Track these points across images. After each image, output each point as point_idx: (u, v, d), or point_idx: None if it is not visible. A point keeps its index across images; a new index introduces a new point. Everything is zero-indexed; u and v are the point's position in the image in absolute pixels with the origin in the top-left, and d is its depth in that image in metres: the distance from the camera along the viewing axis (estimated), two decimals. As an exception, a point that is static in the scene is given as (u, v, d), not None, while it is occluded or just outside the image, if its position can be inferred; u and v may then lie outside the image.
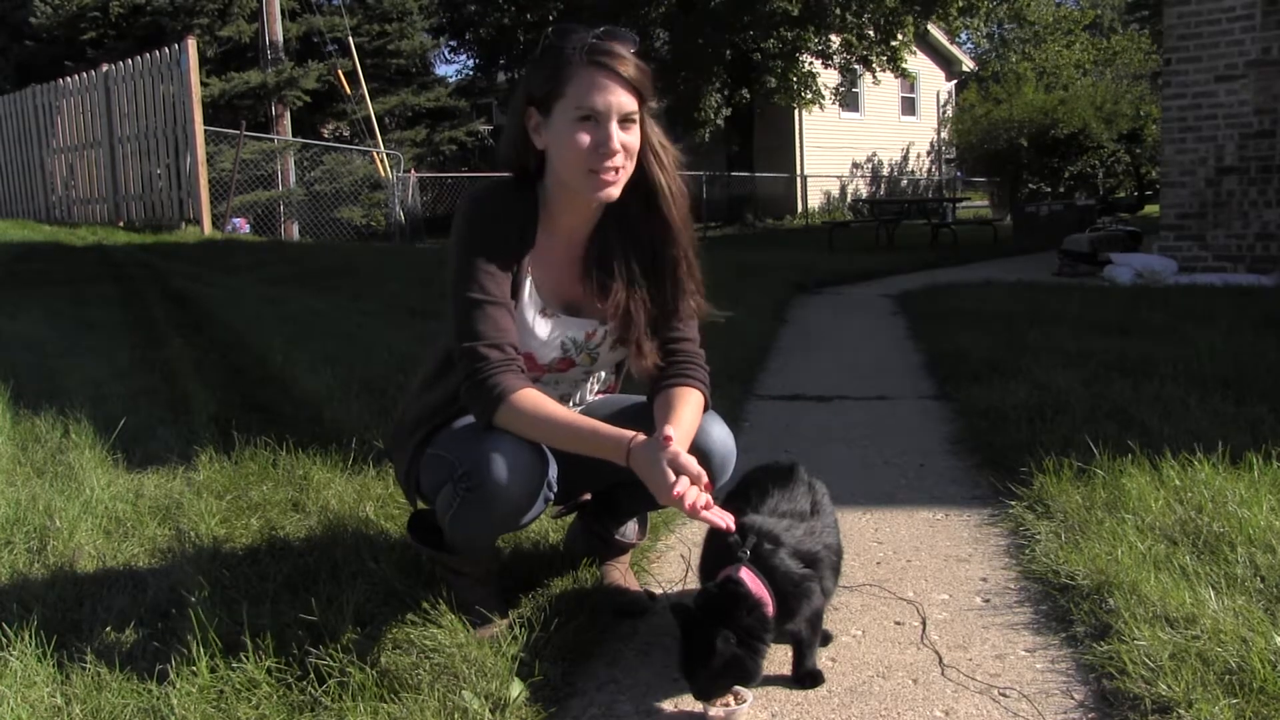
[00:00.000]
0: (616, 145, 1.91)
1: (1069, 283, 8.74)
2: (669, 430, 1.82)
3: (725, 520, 1.80)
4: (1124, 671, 1.83)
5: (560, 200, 2.03)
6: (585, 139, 1.90)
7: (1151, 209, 19.30)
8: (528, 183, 2.06)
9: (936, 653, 2.05)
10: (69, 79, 14.17)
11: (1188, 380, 4.12)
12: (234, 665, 1.84)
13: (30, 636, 1.96)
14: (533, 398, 1.92)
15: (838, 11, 20.68)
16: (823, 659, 2.01)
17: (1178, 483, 2.76)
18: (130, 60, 13.08)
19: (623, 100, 1.91)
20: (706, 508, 1.78)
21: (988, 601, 2.30)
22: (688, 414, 1.99)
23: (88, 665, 1.89)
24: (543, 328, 2.06)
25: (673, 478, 1.76)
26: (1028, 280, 8.69)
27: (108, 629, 2.09)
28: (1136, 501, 2.64)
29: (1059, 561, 2.36)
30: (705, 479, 1.80)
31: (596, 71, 1.89)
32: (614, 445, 1.85)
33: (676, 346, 2.09)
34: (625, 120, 1.93)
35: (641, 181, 2.02)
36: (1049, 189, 22.26)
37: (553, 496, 1.98)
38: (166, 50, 12.58)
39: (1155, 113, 18.79)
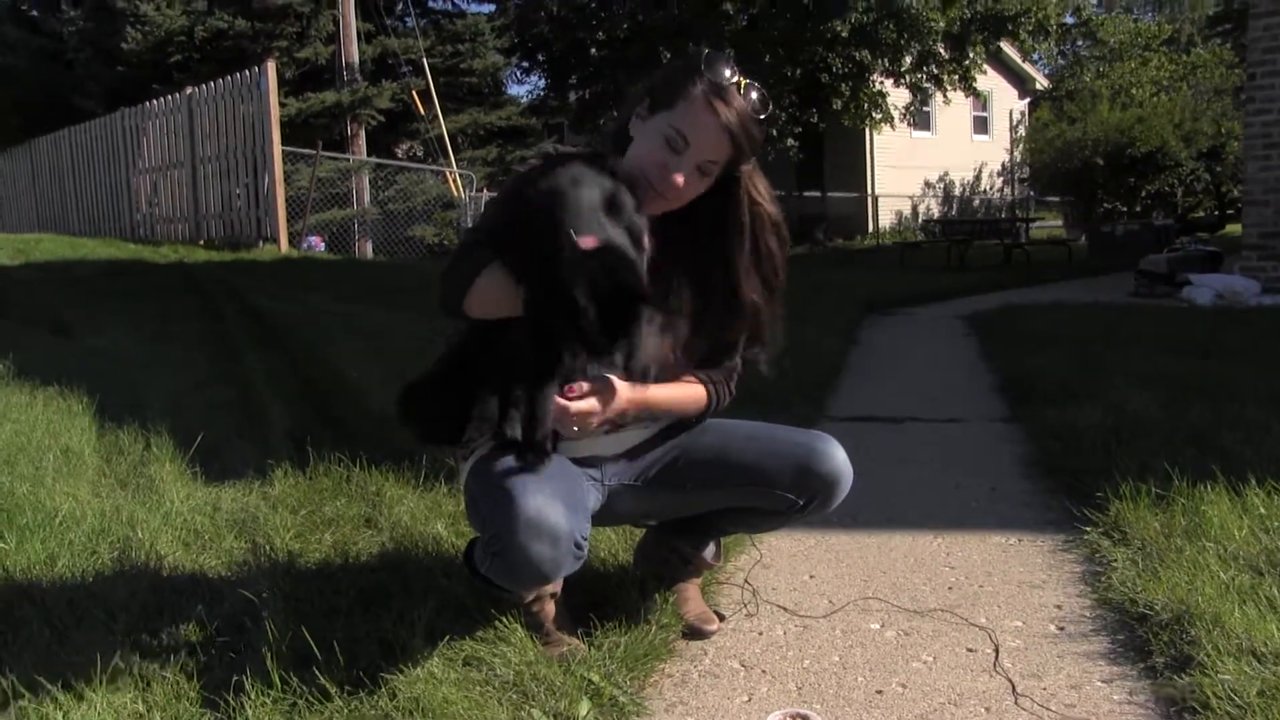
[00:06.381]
0: (679, 183, 1.91)
1: (1146, 304, 8.55)
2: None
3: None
4: (1207, 706, 1.78)
5: (626, 181, 1.97)
6: (660, 158, 1.91)
7: (1233, 228, 18.81)
8: (595, 154, 2.00)
9: (1010, 681, 2.01)
10: (155, 102, 14.57)
11: (1272, 404, 4.00)
12: (307, 678, 1.87)
13: (115, 644, 2.02)
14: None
15: (893, 33, 20.44)
16: (893, 685, 1.99)
17: (1263, 510, 2.68)
18: (212, 83, 13.42)
19: (710, 150, 1.90)
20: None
21: (1062, 629, 2.25)
22: (676, 387, 2.04)
23: (167, 674, 1.94)
24: None
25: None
26: (1103, 301, 8.52)
27: (185, 638, 2.14)
28: (1218, 529, 2.57)
29: (1136, 590, 2.30)
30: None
31: (709, 113, 1.89)
32: None
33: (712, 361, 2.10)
34: (703, 167, 1.93)
35: (720, 247, 2.02)
36: (1125, 208, 21.82)
37: (583, 555, 1.88)
38: (247, 73, 12.90)
39: (1237, 129, 18.32)
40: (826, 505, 2.10)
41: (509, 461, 1.89)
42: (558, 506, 1.80)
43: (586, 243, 1.70)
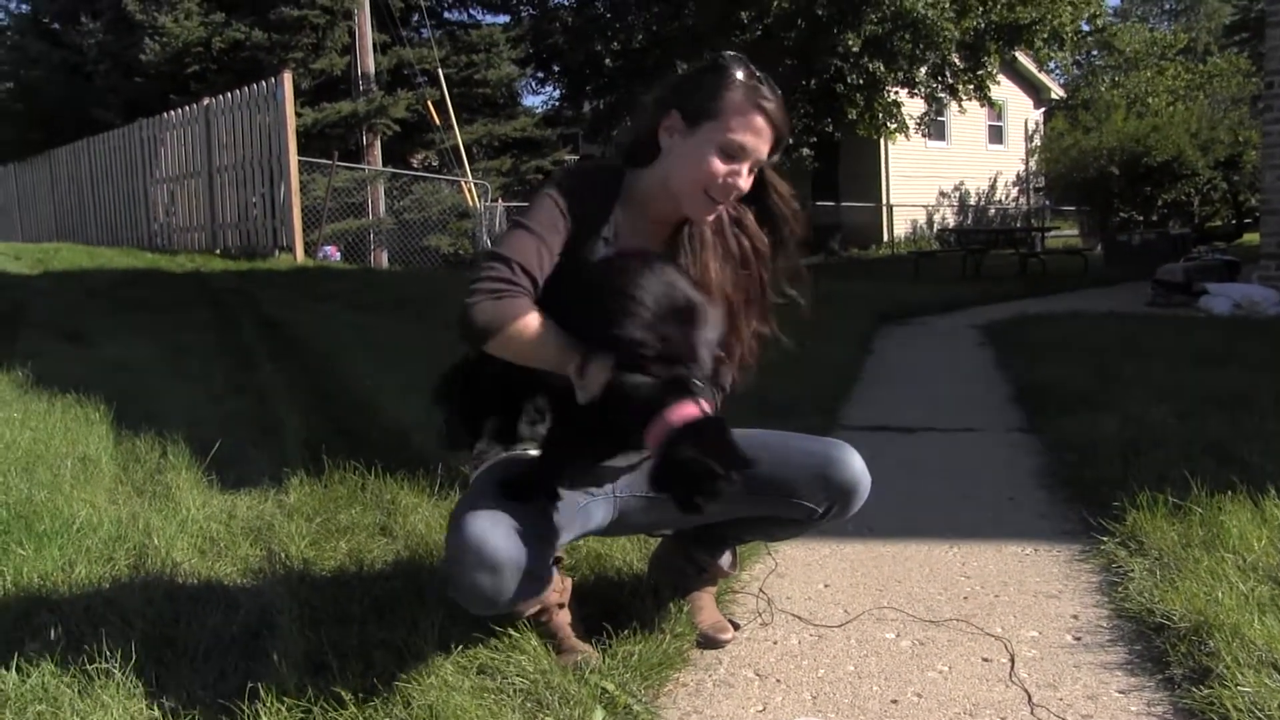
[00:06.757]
0: (743, 185, 1.94)
1: (1163, 314, 8.51)
2: None
3: None
4: (1227, 718, 1.76)
5: (654, 193, 1.99)
6: (719, 167, 1.91)
7: (1250, 237, 18.72)
8: (616, 167, 2.04)
9: (1026, 691, 2.00)
10: (173, 113, 14.68)
11: (1291, 415, 3.97)
12: (321, 685, 1.88)
13: (132, 651, 2.03)
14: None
15: (908, 43, 20.39)
16: (908, 695, 1.98)
17: (1281, 521, 2.67)
18: (229, 93, 13.50)
19: (762, 148, 1.93)
20: None
21: (1079, 639, 2.24)
22: None
23: (183, 681, 1.94)
24: None
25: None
26: (1119, 311, 8.48)
27: (201, 645, 2.14)
28: (1237, 540, 2.55)
29: (1154, 600, 2.29)
30: None
31: (756, 113, 1.91)
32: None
33: None
34: (753, 165, 1.95)
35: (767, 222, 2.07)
36: (1141, 217, 21.74)
37: (542, 584, 1.91)
38: (263, 83, 12.97)
39: (1254, 138, 18.24)
40: (844, 513, 2.09)
41: (483, 483, 1.92)
42: (503, 535, 1.79)
43: (694, 410, 1.69)
